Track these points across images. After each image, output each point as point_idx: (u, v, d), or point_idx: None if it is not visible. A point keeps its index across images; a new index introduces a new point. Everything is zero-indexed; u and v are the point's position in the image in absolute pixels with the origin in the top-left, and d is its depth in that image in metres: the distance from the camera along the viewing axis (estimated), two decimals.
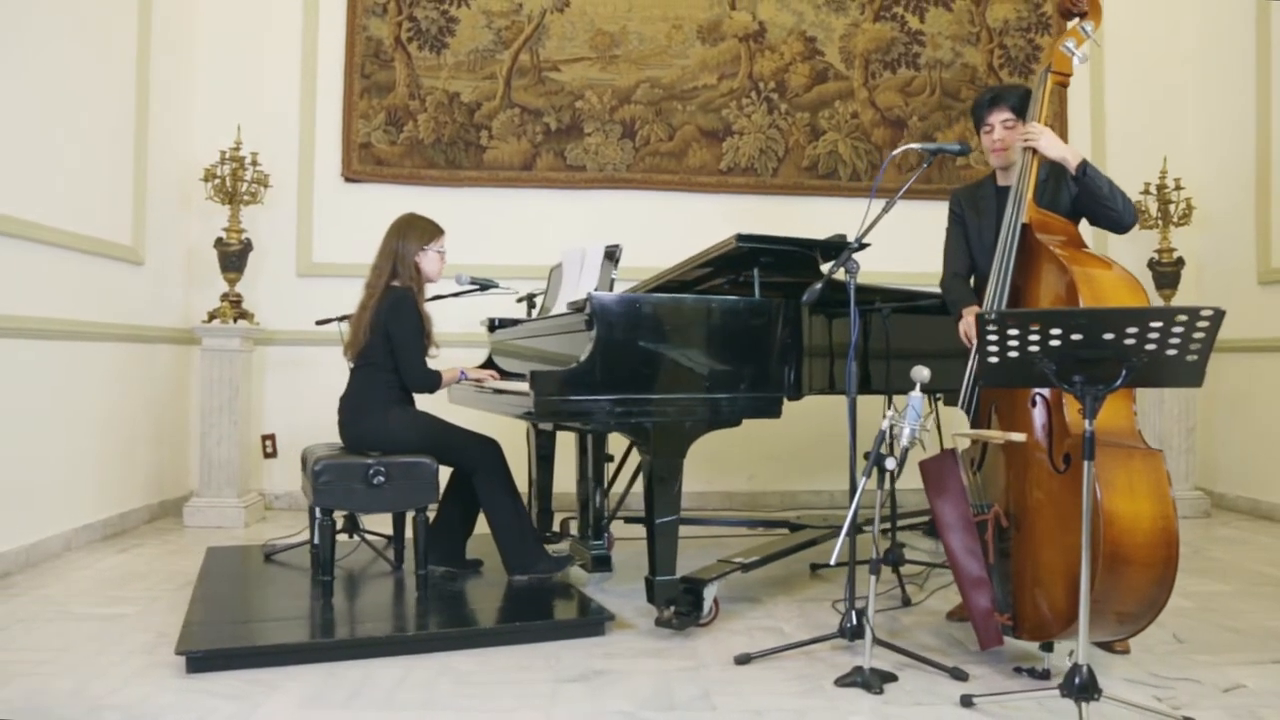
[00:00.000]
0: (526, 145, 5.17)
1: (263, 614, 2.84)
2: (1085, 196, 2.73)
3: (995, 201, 2.89)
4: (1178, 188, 4.98)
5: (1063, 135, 2.71)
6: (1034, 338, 2.01)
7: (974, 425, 2.69)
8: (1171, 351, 1.97)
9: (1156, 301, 4.80)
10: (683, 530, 2.89)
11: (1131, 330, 1.94)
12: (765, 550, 3.27)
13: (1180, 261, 5.02)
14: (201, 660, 2.46)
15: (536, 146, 5.17)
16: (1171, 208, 5.00)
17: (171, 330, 4.80)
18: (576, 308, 2.86)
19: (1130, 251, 4.80)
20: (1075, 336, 1.98)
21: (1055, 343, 2.00)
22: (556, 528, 4.00)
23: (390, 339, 3.19)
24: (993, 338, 2.05)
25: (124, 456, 4.36)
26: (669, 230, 4.99)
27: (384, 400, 3.20)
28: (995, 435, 2.51)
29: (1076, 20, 2.87)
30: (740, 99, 5.25)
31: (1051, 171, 2.81)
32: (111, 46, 4.24)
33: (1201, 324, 1.90)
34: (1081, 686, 2.06)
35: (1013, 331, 2.02)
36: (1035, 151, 2.69)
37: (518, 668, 2.54)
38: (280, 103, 5.11)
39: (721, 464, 5.13)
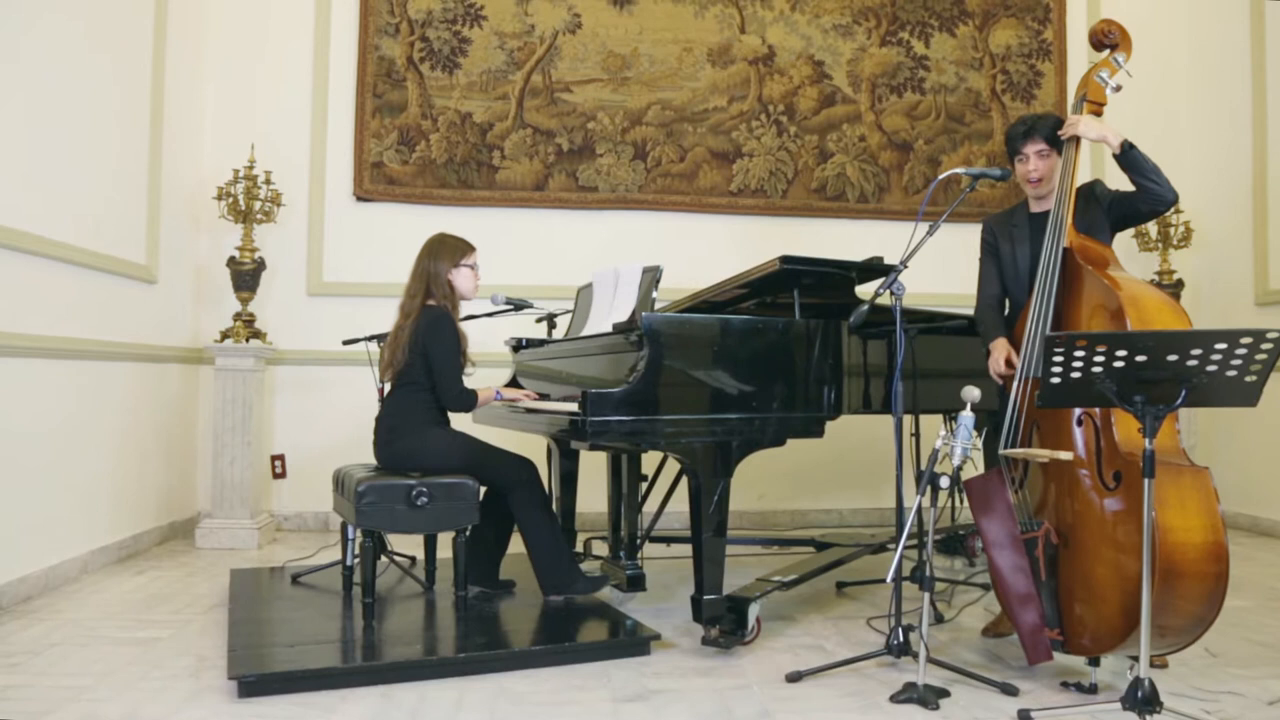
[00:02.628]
0: (539, 165, 5.19)
1: (307, 637, 2.80)
2: (1130, 174, 2.78)
3: (1028, 228, 2.95)
4: (1176, 210, 5.10)
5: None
6: (1099, 358, 2.06)
7: (1017, 445, 2.73)
8: (1232, 372, 2.03)
9: None
10: None
11: (1195, 352, 2.00)
12: (801, 569, 3.29)
13: (1180, 283, 5.14)
14: (254, 684, 2.44)
15: (549, 167, 5.20)
16: (1171, 230, 5.13)
17: (182, 350, 4.75)
18: (622, 328, 2.87)
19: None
20: (1140, 358, 2.03)
21: (1119, 364, 2.06)
22: (580, 548, 4.00)
23: (429, 358, 3.18)
24: (1058, 359, 2.10)
25: (137, 477, 4.30)
26: (681, 251, 5.03)
27: (422, 420, 3.19)
28: (1043, 454, 2.55)
29: (1109, 51, 2.96)
30: (750, 121, 5.31)
31: (1079, 193, 2.89)
32: (126, 63, 4.21)
33: (1265, 345, 1.96)
34: (1144, 700, 2.11)
35: (1078, 353, 2.06)
36: (1078, 140, 2.77)
37: (572, 688, 2.54)
38: (291, 122, 5.09)
39: (733, 483, 5.14)
